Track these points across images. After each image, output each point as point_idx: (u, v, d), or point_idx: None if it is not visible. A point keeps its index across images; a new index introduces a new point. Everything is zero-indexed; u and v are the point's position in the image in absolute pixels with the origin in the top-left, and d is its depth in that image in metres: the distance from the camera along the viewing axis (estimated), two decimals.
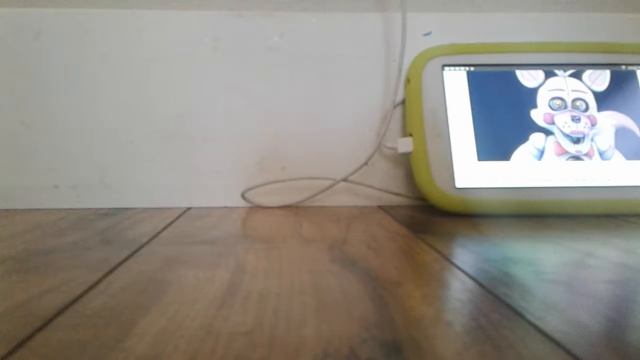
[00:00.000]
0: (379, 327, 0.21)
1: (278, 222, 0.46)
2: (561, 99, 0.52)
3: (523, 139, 0.51)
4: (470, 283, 0.27)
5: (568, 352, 0.19)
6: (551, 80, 0.53)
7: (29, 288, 0.26)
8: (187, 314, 0.23)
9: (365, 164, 0.54)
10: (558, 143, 0.51)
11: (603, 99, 0.52)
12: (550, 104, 0.52)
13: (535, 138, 0.51)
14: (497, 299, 0.24)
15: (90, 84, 0.54)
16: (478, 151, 0.50)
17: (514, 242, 0.37)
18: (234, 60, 0.55)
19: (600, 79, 0.53)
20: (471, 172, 0.50)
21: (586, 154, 0.50)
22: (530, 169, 0.50)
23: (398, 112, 0.57)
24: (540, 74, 0.53)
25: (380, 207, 0.56)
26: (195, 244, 0.37)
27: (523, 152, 0.50)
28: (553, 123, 0.51)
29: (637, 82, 0.53)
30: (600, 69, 0.53)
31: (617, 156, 0.50)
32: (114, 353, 0.19)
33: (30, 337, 0.20)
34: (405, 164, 0.57)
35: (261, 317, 0.22)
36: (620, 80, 0.53)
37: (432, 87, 0.52)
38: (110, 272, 0.29)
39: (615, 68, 0.53)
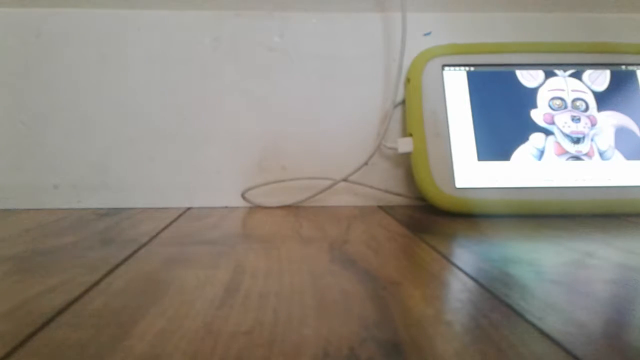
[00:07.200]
0: (379, 327, 0.21)
1: (278, 222, 0.46)
2: (561, 99, 0.52)
3: (523, 139, 0.51)
4: (470, 283, 0.27)
5: (568, 352, 0.19)
6: (551, 80, 0.53)
7: (29, 288, 0.26)
8: (187, 314, 0.23)
9: (366, 164, 0.54)
10: (558, 143, 0.51)
11: (603, 99, 0.52)
12: (550, 104, 0.52)
13: (535, 138, 0.51)
14: (497, 299, 0.24)
15: (90, 84, 0.54)
16: (478, 151, 0.50)
17: (514, 242, 0.37)
18: (234, 61, 0.55)
19: (600, 79, 0.53)
20: (471, 172, 0.50)
21: (586, 154, 0.50)
22: (530, 169, 0.50)
23: (398, 112, 0.57)
24: (540, 74, 0.53)
25: (380, 207, 0.56)
26: (195, 244, 0.37)
27: (523, 152, 0.50)
28: (553, 123, 0.51)
29: (637, 82, 0.53)
30: (600, 69, 0.53)
31: (617, 156, 0.50)
32: (114, 353, 0.19)
33: (30, 337, 0.20)
34: (405, 164, 0.57)
35: (261, 317, 0.22)
36: (620, 80, 0.53)
37: (432, 87, 0.52)
38: (110, 272, 0.29)
39: (615, 68, 0.53)
